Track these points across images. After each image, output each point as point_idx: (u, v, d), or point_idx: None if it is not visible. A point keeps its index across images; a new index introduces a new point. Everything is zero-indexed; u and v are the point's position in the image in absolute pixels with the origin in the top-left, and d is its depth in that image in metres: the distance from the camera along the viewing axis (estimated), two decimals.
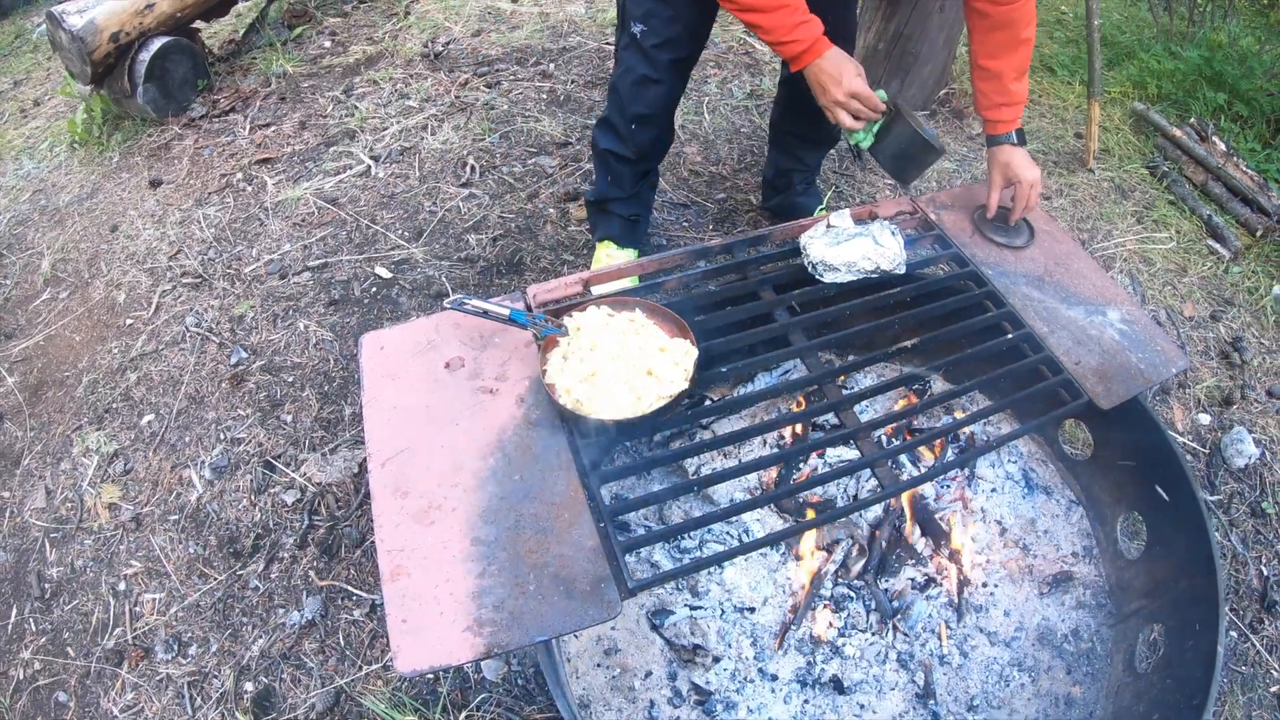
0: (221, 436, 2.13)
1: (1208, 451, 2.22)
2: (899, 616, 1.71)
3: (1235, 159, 3.07)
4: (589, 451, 1.32)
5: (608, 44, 3.46)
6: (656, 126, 2.10)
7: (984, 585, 1.82)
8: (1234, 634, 1.87)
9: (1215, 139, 3.15)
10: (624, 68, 2.00)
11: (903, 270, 1.70)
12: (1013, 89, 1.74)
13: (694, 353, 1.40)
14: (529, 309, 1.49)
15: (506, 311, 1.39)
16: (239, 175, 2.94)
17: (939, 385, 2.14)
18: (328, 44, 3.68)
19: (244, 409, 2.18)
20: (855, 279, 1.67)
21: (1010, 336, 1.68)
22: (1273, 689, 1.80)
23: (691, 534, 1.73)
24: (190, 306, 2.47)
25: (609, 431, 1.34)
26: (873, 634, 1.70)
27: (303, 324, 2.37)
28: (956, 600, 1.77)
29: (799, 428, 1.96)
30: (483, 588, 1.10)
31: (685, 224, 2.69)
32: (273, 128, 3.17)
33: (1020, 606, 1.81)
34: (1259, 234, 2.85)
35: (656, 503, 1.45)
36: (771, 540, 1.44)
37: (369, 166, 2.87)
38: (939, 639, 1.72)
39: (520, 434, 1.33)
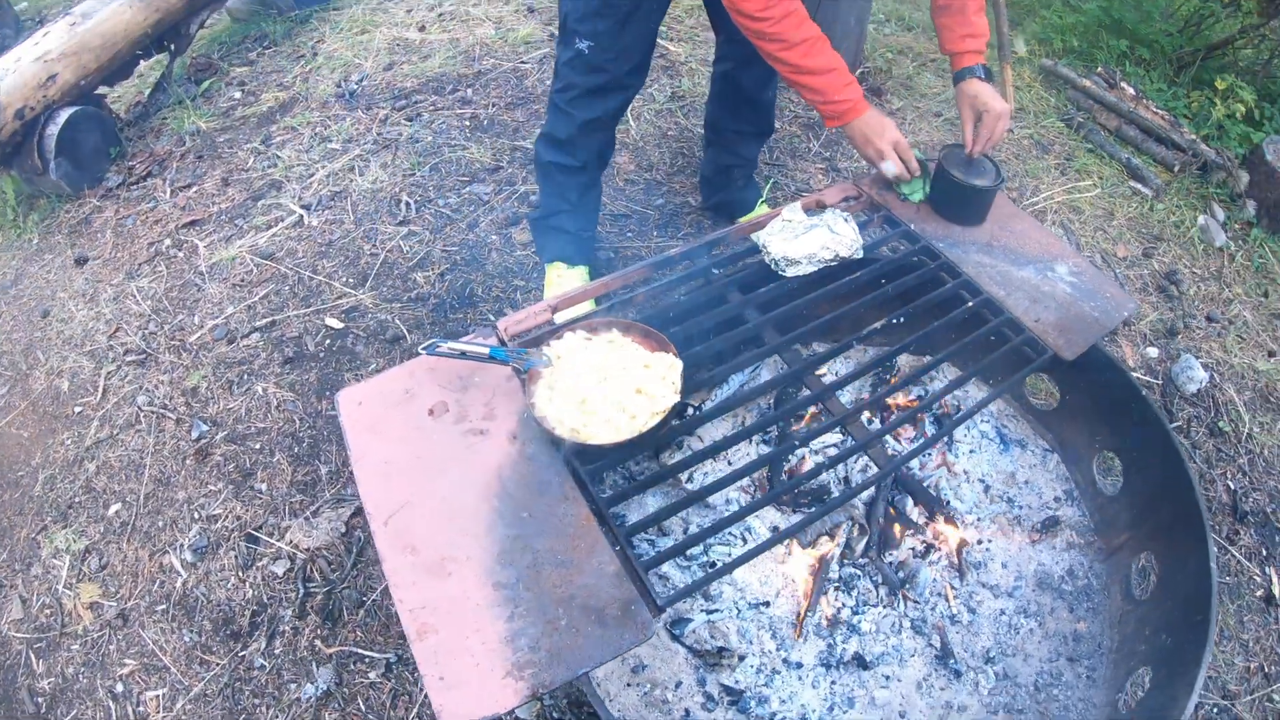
0: (196, 515, 2.06)
1: (1160, 382, 2.34)
2: (907, 586, 1.76)
3: (1144, 101, 3.24)
4: (591, 478, 1.32)
5: (523, 63, 3.45)
6: (605, 130, 2.12)
7: (979, 543, 1.89)
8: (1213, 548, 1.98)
9: (1123, 85, 3.31)
10: (565, 83, 2.01)
11: (860, 254, 1.75)
12: (975, 21, 1.81)
13: (678, 364, 1.41)
14: (503, 343, 1.48)
15: (485, 350, 1.39)
16: (167, 242, 2.83)
17: (911, 362, 2.20)
18: (238, 95, 3.57)
19: (214, 483, 2.11)
20: (817, 269, 1.71)
21: (970, 304, 1.74)
22: (1258, 593, 1.91)
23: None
24: (139, 385, 2.38)
25: (608, 455, 1.35)
26: (885, 607, 1.74)
27: (260, 387, 2.30)
28: (957, 561, 1.83)
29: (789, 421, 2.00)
30: (514, 631, 1.09)
31: (630, 234, 2.71)
32: (194, 188, 3.06)
33: (1015, 557, 1.88)
34: (1176, 169, 3.02)
35: (669, 516, 1.46)
36: (786, 536, 1.46)
37: (301, 216, 2.80)
38: (946, 601, 1.77)
39: (519, 470, 1.32)
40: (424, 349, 1.39)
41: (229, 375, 2.35)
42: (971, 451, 2.05)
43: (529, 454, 1.35)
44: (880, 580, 1.77)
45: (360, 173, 2.95)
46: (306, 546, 1.93)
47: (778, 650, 1.66)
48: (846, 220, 1.76)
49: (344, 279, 2.57)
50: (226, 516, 2.04)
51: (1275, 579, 1.98)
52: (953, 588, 1.80)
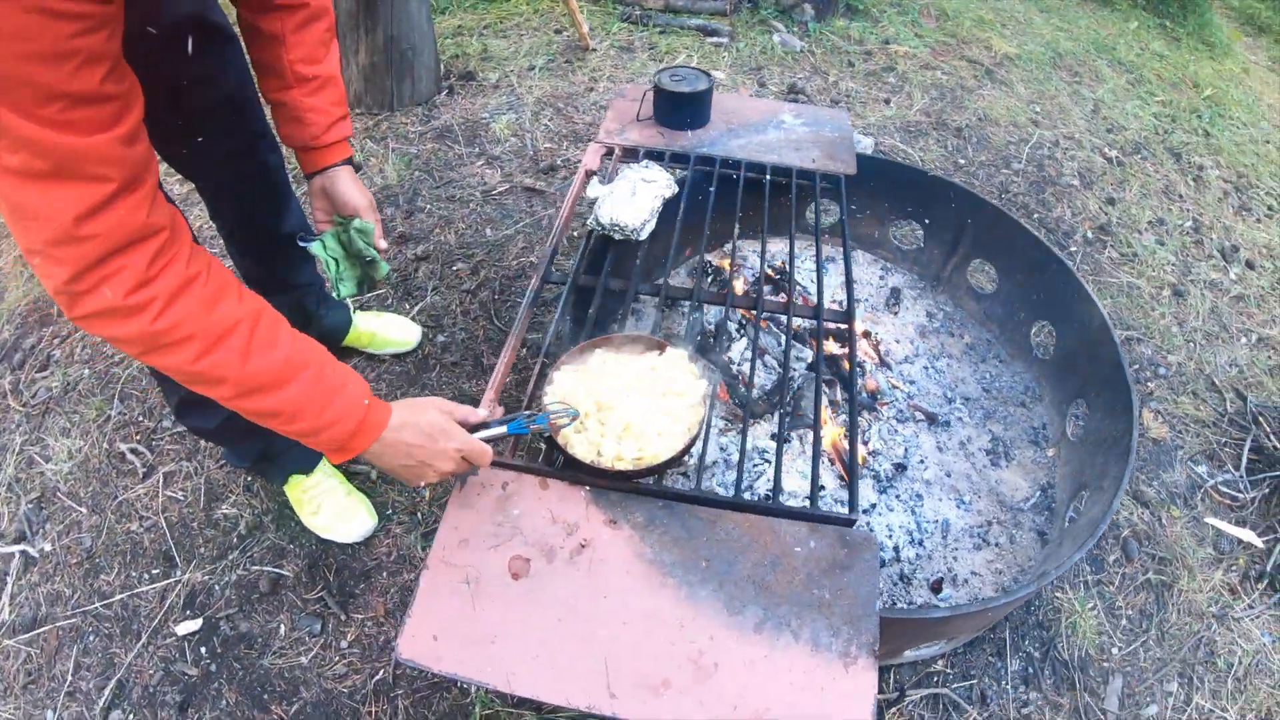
0: None
1: None
2: (879, 397, 2.08)
3: None
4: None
5: None
6: None
7: (905, 359, 2.28)
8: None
9: None
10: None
11: (676, 188, 1.90)
12: (342, 88, 1.38)
13: (680, 353, 1.43)
14: (506, 411, 1.33)
15: (504, 429, 1.22)
16: None
17: (772, 245, 2.45)
18: None
19: None
20: (656, 218, 1.82)
21: (767, 178, 2.01)
22: None
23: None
24: None
25: (673, 461, 1.33)
26: (876, 422, 2.05)
27: None
28: (876, 357, 2.20)
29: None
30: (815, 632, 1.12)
31: None
32: None
33: (949, 367, 2.32)
34: (728, 10, 3.62)
35: None
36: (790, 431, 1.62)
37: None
38: (900, 389, 2.14)
39: (651, 536, 1.27)
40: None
41: None
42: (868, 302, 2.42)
43: (639, 520, 1.31)
44: (860, 410, 2.06)
45: None
46: None
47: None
48: (647, 167, 1.89)
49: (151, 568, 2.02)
50: None
51: None
52: (898, 380, 2.17)
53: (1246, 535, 1.96)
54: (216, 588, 1.74)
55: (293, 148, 1.38)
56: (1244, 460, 2.11)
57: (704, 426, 1.35)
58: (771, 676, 1.10)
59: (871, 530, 1.83)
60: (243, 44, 1.34)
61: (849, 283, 1.73)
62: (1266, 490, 2.04)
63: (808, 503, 1.35)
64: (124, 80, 0.81)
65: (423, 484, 1.16)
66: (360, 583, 1.76)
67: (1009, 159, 3.26)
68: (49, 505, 1.88)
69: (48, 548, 1.80)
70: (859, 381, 2.14)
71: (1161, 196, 3.14)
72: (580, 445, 1.31)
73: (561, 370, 1.41)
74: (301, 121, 1.33)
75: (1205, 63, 4.34)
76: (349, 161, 1.41)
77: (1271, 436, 2.10)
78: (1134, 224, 2.97)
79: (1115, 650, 1.77)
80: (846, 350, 2.17)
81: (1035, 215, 2.96)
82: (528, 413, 1.27)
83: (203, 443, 1.99)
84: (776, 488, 1.35)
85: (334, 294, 1.44)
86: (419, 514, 1.89)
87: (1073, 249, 2.82)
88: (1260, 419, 2.16)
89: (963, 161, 3.22)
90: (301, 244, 1.39)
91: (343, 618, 1.70)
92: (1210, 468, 2.14)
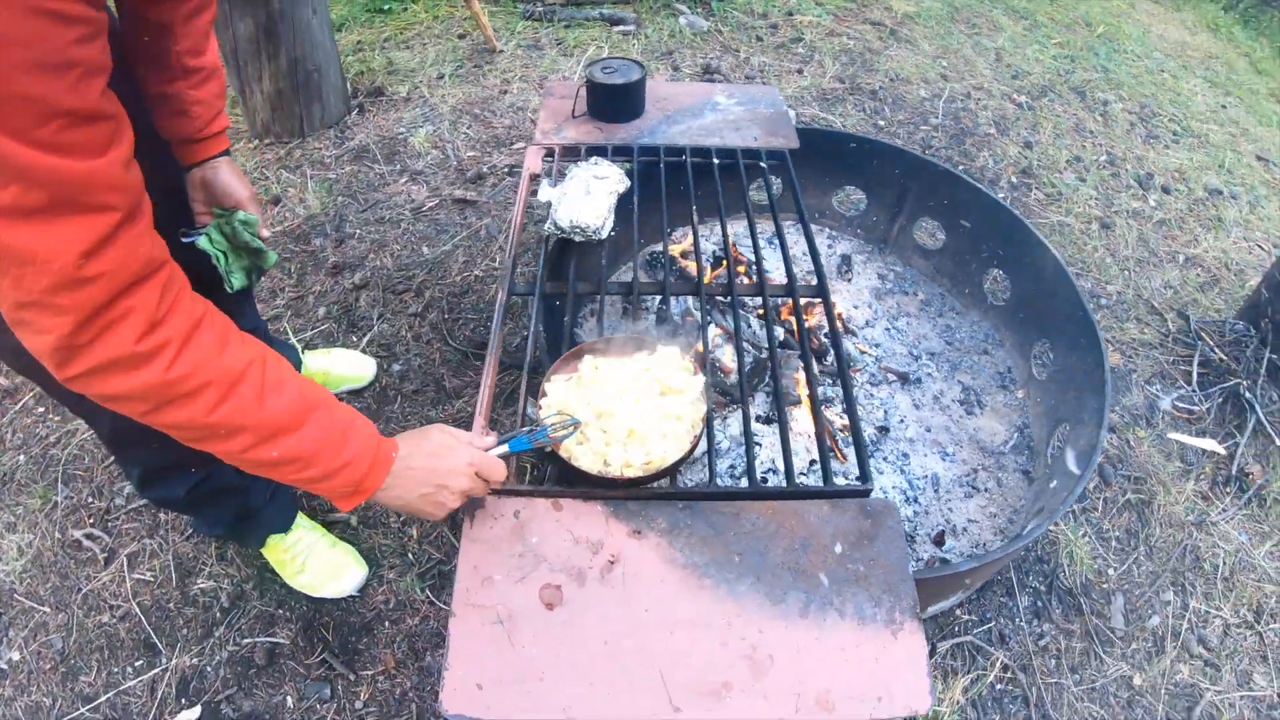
0: None
1: None
2: (850, 364, 2.11)
3: None
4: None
5: None
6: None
7: (866, 323, 2.30)
8: None
9: None
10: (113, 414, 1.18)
11: (629, 181, 1.86)
12: (224, 79, 1.34)
13: (671, 350, 1.41)
14: (503, 428, 1.28)
15: (505, 447, 1.18)
16: None
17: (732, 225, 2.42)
18: None
19: None
20: (612, 215, 1.78)
21: (716, 161, 2.00)
22: None
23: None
24: None
25: (689, 457, 1.31)
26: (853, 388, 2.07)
27: None
28: (842, 328, 2.22)
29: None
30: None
31: None
32: None
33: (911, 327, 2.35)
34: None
35: None
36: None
37: None
38: (868, 355, 2.17)
39: (679, 540, 1.25)
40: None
41: None
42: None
43: (663, 526, 1.28)
44: (836, 380, 2.08)
45: None
46: None
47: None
48: (596, 164, 1.84)
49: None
50: None
51: None
52: (864, 345, 2.20)
53: (1209, 445, 2.07)
54: (209, 669, 1.62)
55: (171, 140, 1.29)
56: (1194, 375, 2.23)
57: (707, 422, 1.33)
58: (826, 657, 1.09)
59: (884, 496, 1.86)
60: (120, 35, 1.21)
61: (814, 254, 1.73)
62: (1219, 400, 2.16)
63: (807, 481, 1.35)
64: (114, 98, 0.71)
65: (444, 514, 1.08)
66: (362, 637, 1.67)
67: (926, 115, 3.35)
68: (8, 610, 1.71)
69: (16, 657, 1.64)
70: (842, 352, 2.16)
71: (1074, 135, 3.28)
72: (585, 457, 1.27)
73: (553, 381, 1.36)
74: (187, 115, 1.26)
75: (1094, 1, 4.56)
76: (226, 152, 1.35)
77: (1216, 349, 2.22)
78: (1053, 164, 3.10)
79: (1111, 571, 1.85)
80: (815, 324, 2.19)
81: (960, 167, 3.05)
82: (527, 429, 1.22)
83: (163, 516, 1.85)
84: (788, 469, 1.34)
85: (226, 288, 1.35)
86: (410, 554, 1.80)
87: (1000, 195, 2.92)
88: (1203, 334, 2.28)
89: (882, 123, 3.29)
90: (185, 240, 1.31)
91: (352, 677, 1.61)
92: (1164, 386, 2.25)
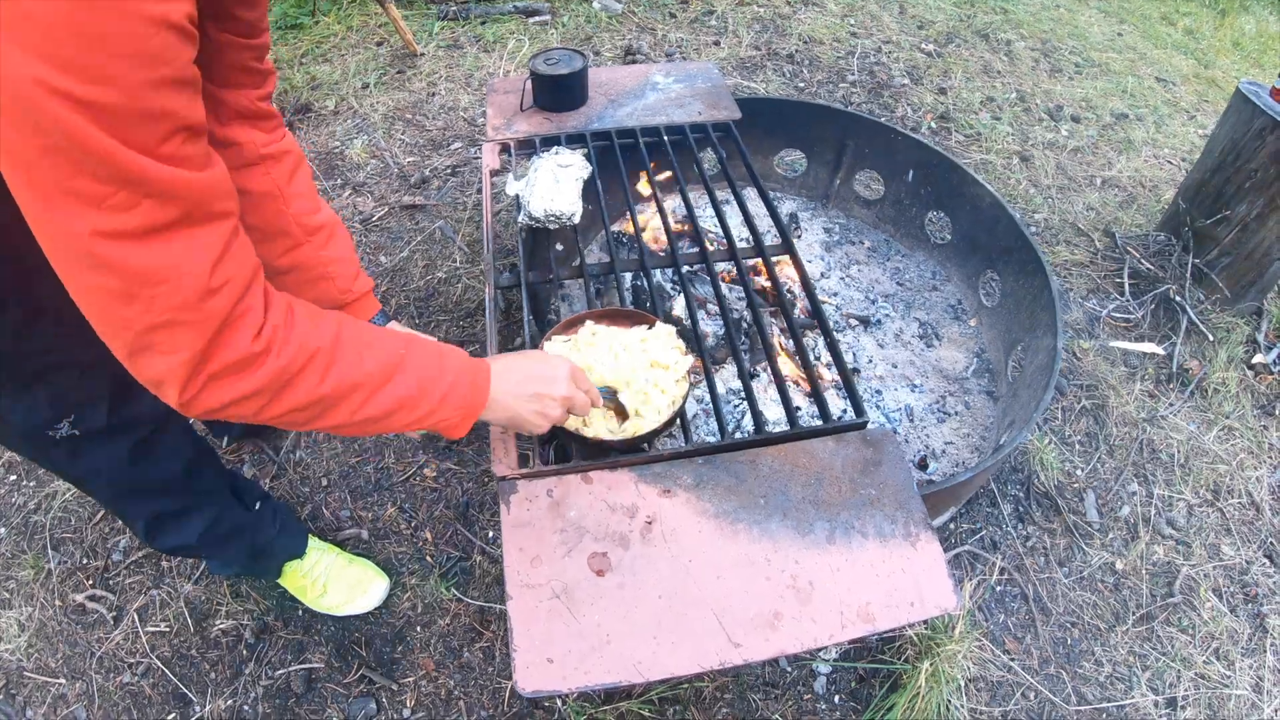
0: None
1: None
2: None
3: None
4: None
5: None
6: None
7: (821, 275, 2.40)
8: None
9: None
10: (106, 469, 1.25)
11: (592, 165, 1.90)
12: (350, 243, 1.31)
13: (668, 329, 1.45)
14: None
15: None
16: None
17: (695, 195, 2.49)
18: None
19: None
20: (581, 200, 1.83)
21: (665, 139, 2.06)
22: None
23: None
24: None
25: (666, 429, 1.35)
26: (821, 337, 2.18)
27: None
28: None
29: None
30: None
31: None
32: None
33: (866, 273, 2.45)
34: None
35: None
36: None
37: None
38: (830, 305, 2.28)
39: (711, 490, 1.31)
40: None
41: None
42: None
43: (688, 483, 1.33)
44: (803, 332, 2.18)
45: None
46: None
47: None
48: (557, 152, 1.88)
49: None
50: None
51: None
52: (824, 296, 2.30)
53: (1148, 348, 2.26)
54: (246, 708, 1.61)
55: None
56: (1125, 286, 2.42)
57: (685, 399, 1.36)
58: (859, 575, 1.18)
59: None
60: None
61: (773, 214, 1.82)
62: (1152, 306, 2.36)
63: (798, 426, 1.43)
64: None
65: (547, 425, 1.08)
66: (396, 646, 1.69)
67: (843, 73, 3.48)
68: (20, 689, 1.65)
69: None
70: (806, 304, 2.26)
71: (983, 76, 3.47)
72: (574, 420, 1.29)
73: (553, 341, 1.40)
74: (327, 278, 1.23)
75: None
76: (385, 315, 1.35)
77: (1143, 260, 2.42)
78: (968, 107, 3.27)
79: (1079, 472, 2.01)
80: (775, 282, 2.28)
81: (882, 119, 3.19)
82: None
83: (165, 564, 1.82)
84: (790, 413, 1.42)
85: None
86: (428, 557, 1.83)
87: (924, 141, 3.08)
88: (1129, 249, 2.48)
89: (802, 85, 3.41)
90: None
91: (394, 687, 1.63)
92: (1100, 300, 2.44)
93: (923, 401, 2.08)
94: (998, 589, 1.76)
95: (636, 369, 1.37)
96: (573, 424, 1.29)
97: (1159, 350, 2.26)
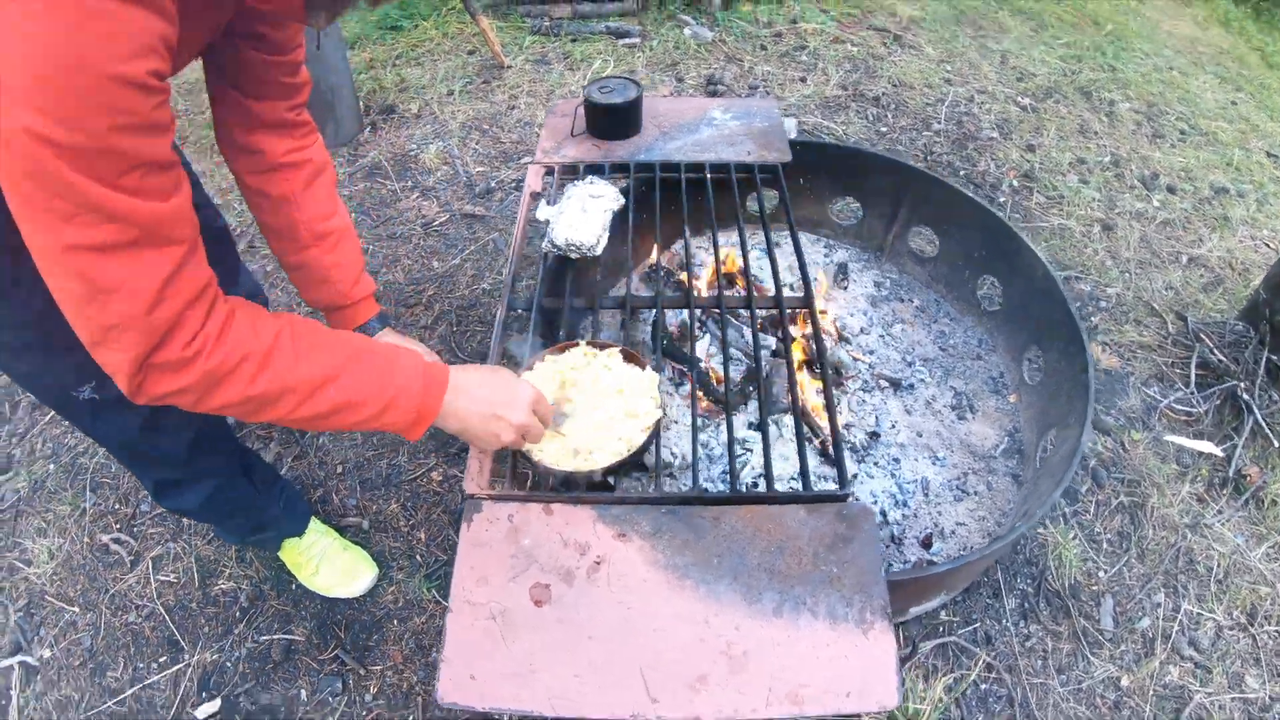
0: None
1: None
2: (843, 371, 2.16)
3: None
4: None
5: None
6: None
7: (861, 330, 2.35)
8: None
9: None
10: (118, 433, 1.35)
11: (623, 199, 1.93)
12: (357, 248, 1.40)
13: (654, 377, 1.43)
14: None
15: None
16: None
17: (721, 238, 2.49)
18: None
19: None
20: (606, 233, 1.85)
21: (706, 175, 2.06)
22: None
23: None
24: None
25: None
26: (846, 396, 2.12)
27: None
28: (835, 334, 2.27)
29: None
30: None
31: None
32: None
33: (912, 335, 2.40)
34: (637, 11, 3.66)
35: None
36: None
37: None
38: (862, 362, 2.22)
39: (662, 543, 1.30)
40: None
41: None
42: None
43: (646, 530, 1.34)
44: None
45: None
46: None
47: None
48: (592, 183, 1.91)
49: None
50: None
51: None
52: (858, 352, 2.25)
53: (1206, 447, 2.09)
54: (229, 664, 1.71)
55: (320, 309, 1.39)
56: (1192, 377, 2.24)
57: (643, 450, 1.35)
58: (799, 654, 1.15)
59: (861, 501, 1.90)
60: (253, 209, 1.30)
61: (802, 265, 1.79)
62: (1217, 401, 2.18)
63: (796, 485, 1.40)
64: (177, 150, 0.84)
65: (497, 445, 1.14)
66: (373, 634, 1.76)
67: (929, 120, 3.38)
68: (39, 610, 1.82)
69: (47, 654, 1.75)
70: (825, 359, 2.21)
71: (1078, 136, 3.30)
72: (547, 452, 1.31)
73: (545, 361, 1.43)
74: (328, 281, 1.34)
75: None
76: (383, 319, 1.43)
77: (1215, 351, 2.24)
78: (1056, 167, 3.11)
79: (1101, 574, 1.88)
80: (807, 331, 2.24)
81: (962, 172, 3.08)
82: None
83: (185, 521, 1.96)
84: (768, 475, 1.40)
85: None
86: (418, 556, 1.89)
87: (1001, 199, 2.95)
88: (1201, 335, 2.30)
89: (884, 129, 3.33)
90: None
91: (362, 672, 1.69)
92: (1162, 388, 2.27)
93: (942, 476, 2.00)
94: (982, 687, 1.67)
95: (607, 409, 1.37)
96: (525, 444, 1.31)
97: (1217, 451, 2.09)
